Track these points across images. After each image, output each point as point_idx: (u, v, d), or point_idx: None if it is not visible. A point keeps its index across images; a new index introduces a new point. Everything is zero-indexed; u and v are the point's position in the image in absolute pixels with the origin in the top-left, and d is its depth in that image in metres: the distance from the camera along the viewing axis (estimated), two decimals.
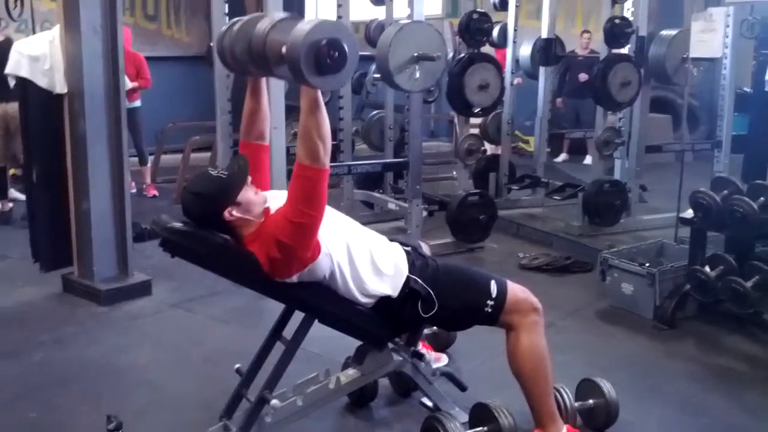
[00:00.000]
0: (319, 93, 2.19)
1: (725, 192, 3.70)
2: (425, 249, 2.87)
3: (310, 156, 2.21)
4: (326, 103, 2.22)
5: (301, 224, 2.26)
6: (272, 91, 4.29)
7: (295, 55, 2.07)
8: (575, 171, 7.33)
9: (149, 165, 7.17)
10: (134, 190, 6.42)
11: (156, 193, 7.10)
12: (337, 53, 2.09)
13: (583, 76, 8.06)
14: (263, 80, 2.66)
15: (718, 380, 3.30)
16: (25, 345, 3.62)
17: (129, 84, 6.23)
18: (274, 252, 2.29)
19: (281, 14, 2.32)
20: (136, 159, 7.09)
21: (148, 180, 7.14)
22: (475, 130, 6.14)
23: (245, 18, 2.51)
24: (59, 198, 4.27)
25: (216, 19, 4.38)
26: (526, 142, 8.72)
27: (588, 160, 8.37)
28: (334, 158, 4.50)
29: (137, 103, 6.81)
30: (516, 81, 6.47)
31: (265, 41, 2.22)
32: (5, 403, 3.05)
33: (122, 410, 2.73)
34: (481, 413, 2.61)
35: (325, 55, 2.08)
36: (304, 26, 2.10)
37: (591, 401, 2.79)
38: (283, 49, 2.16)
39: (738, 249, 3.68)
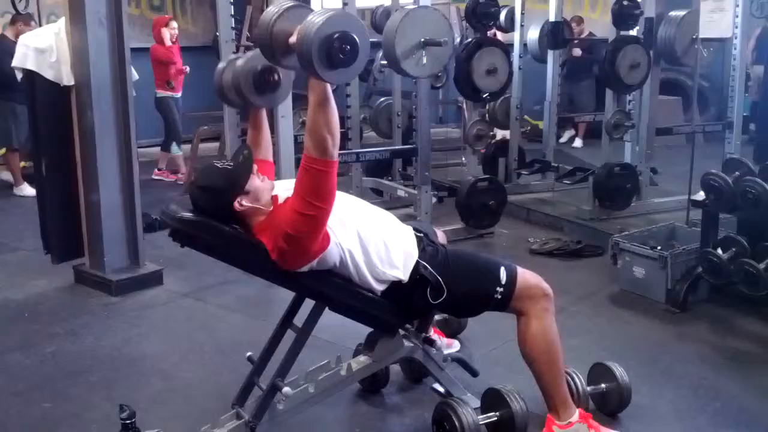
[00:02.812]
0: (329, 86, 2.16)
1: (737, 173, 3.66)
2: (441, 236, 2.86)
3: (318, 148, 2.19)
4: (333, 92, 2.19)
5: (310, 216, 2.24)
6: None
7: (306, 49, 2.03)
8: (585, 154, 7.28)
9: (169, 153, 7.35)
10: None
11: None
12: (348, 47, 2.04)
13: (576, 51, 8.05)
14: (263, 113, 2.73)
15: (730, 363, 3.29)
16: (38, 336, 3.64)
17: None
18: (282, 243, 2.28)
19: (288, 2, 2.28)
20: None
21: (162, 165, 7.35)
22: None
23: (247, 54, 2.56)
24: (69, 190, 4.29)
25: (221, 9, 4.37)
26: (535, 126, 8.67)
27: (578, 142, 8.44)
28: (342, 146, 4.50)
29: (163, 93, 6.95)
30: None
31: (272, 30, 2.19)
32: (19, 394, 3.08)
33: (135, 399, 2.76)
34: (493, 398, 2.61)
35: (337, 50, 2.03)
36: (315, 18, 2.05)
37: (603, 385, 2.79)
38: (291, 39, 2.14)
39: (750, 231, 3.65)
